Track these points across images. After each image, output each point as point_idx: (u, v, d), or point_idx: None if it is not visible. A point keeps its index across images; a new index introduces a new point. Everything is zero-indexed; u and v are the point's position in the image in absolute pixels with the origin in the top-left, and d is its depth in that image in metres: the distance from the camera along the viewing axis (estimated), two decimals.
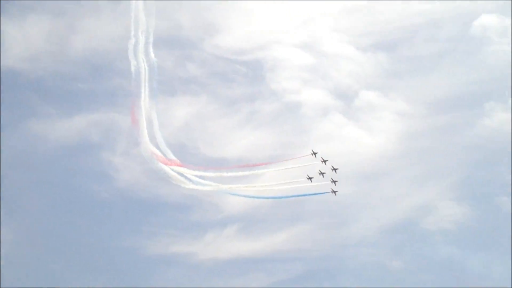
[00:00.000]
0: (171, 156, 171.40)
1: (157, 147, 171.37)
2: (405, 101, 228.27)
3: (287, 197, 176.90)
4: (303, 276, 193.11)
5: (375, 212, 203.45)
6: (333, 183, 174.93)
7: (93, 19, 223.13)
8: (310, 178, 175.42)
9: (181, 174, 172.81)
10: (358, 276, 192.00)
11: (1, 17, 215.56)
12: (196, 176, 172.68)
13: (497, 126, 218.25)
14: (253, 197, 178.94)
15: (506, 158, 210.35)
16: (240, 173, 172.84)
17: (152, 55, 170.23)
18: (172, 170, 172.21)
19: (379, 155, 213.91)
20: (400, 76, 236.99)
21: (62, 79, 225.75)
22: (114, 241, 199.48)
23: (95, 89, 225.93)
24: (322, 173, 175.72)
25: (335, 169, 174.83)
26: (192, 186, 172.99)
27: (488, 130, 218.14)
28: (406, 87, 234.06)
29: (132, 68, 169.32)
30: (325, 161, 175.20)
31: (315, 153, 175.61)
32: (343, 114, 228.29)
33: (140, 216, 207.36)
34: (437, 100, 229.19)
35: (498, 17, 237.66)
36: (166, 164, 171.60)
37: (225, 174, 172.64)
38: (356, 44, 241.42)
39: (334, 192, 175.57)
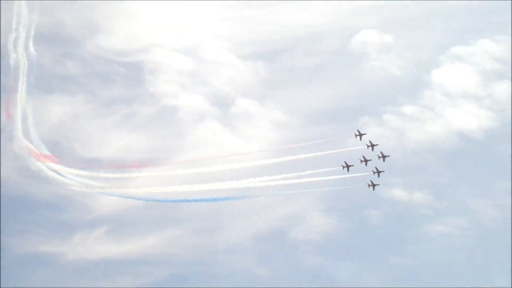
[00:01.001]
0: (46, 152, 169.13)
1: (31, 143, 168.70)
2: (282, 111, 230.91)
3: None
4: (169, 280, 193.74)
5: (248, 220, 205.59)
6: (376, 174, 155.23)
7: None
8: (347, 167, 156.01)
9: (56, 172, 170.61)
10: (225, 282, 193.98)
11: None
12: (72, 174, 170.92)
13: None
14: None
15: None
16: (117, 175, 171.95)
17: (32, 49, 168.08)
18: (46, 166, 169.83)
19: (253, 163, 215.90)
20: (278, 86, 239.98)
21: None
22: None
23: None
24: (366, 161, 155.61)
25: (384, 157, 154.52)
26: (67, 184, 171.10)
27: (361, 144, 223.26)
28: (283, 97, 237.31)
29: (11, 62, 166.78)
30: (373, 146, 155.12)
31: (361, 134, 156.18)
32: (219, 120, 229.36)
33: (9, 213, 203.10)
34: (313, 112, 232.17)
35: (377, 33, 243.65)
36: (40, 160, 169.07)
37: (102, 175, 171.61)
38: (237, 52, 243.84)
39: (374, 185, 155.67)
